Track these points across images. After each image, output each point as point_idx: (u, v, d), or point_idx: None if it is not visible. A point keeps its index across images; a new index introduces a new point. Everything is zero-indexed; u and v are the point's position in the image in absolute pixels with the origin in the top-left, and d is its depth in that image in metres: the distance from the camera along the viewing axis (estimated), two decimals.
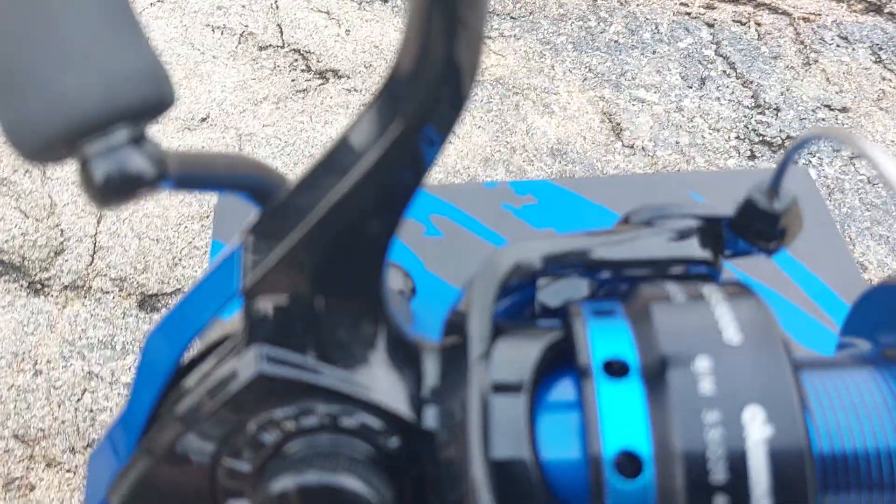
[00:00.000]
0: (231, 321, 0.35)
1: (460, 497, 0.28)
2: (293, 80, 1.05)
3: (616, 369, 0.30)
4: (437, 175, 0.96)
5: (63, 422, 0.74)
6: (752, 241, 0.39)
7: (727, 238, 0.41)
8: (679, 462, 0.27)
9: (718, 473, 0.26)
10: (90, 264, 0.84)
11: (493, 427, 0.29)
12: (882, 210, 0.95)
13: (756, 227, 0.38)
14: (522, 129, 1.00)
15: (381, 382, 0.31)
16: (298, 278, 0.30)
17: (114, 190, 0.26)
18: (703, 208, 0.39)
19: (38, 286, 0.83)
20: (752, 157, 0.98)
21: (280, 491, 0.29)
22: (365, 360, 0.31)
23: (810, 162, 1.00)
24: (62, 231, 0.87)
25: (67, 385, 0.76)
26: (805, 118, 1.04)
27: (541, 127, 1.00)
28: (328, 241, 0.29)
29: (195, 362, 0.35)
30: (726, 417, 0.27)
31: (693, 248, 0.39)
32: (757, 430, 0.27)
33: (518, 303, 0.39)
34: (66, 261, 0.85)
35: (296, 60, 1.08)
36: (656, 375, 0.29)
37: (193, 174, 0.30)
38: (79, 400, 0.76)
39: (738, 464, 0.26)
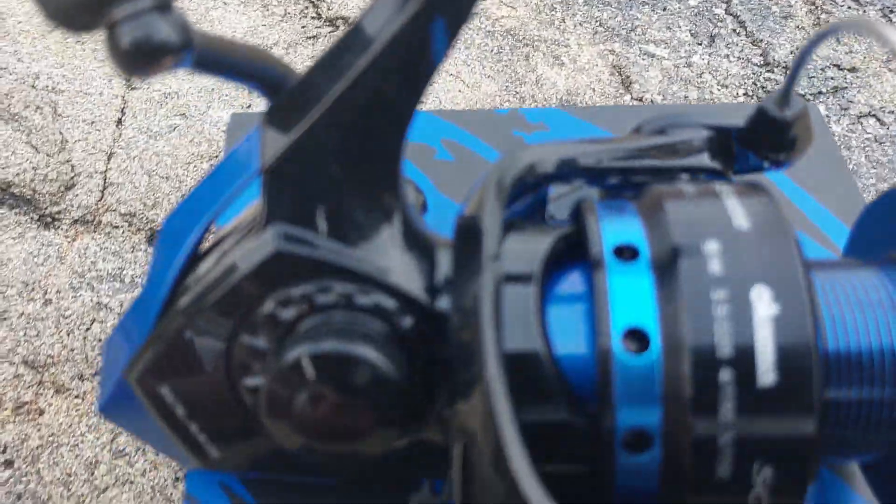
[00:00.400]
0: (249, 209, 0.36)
1: (470, 378, 0.29)
2: (303, 27, 1.05)
3: (626, 254, 0.31)
4: None
5: (72, 350, 0.75)
6: (761, 153, 0.40)
7: (737, 153, 0.41)
8: (686, 338, 0.27)
9: (725, 348, 0.27)
10: (100, 200, 0.85)
11: (504, 315, 0.30)
12: (888, 168, 0.95)
13: (766, 136, 0.39)
14: (532, 80, 1.00)
15: (396, 265, 0.32)
16: (318, 156, 0.30)
17: (140, 55, 0.27)
18: (715, 117, 0.39)
19: (49, 219, 0.83)
20: None
21: (294, 359, 0.29)
22: (381, 243, 0.32)
23: None
24: (73, 167, 0.87)
25: (76, 315, 0.77)
26: (814, 76, 1.04)
27: (550, 78, 1.01)
28: (347, 118, 0.30)
29: (214, 247, 0.35)
30: (734, 295, 0.28)
31: (703, 159, 0.39)
32: (764, 307, 0.27)
33: (529, 207, 0.39)
34: (77, 196, 0.85)
35: (306, 7, 1.08)
36: (665, 257, 0.29)
37: (214, 54, 0.30)
38: (87, 329, 0.76)
39: (744, 339, 0.27)
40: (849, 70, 1.05)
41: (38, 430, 0.71)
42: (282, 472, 0.39)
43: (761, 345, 0.27)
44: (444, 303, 0.33)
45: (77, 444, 0.70)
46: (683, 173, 0.38)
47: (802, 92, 1.04)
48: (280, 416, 0.31)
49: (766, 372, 0.27)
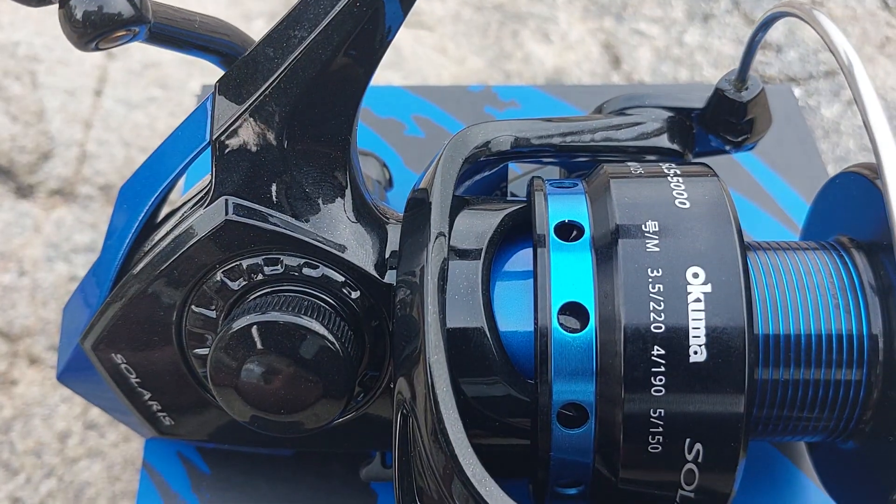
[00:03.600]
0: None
1: (413, 353, 0.29)
2: None
3: (570, 232, 0.31)
4: None
5: (47, 321, 0.75)
6: (720, 135, 0.40)
7: (697, 134, 0.41)
8: (620, 315, 0.28)
9: (657, 325, 0.27)
10: (77, 171, 0.85)
11: (449, 291, 0.30)
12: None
13: (724, 118, 0.39)
14: (519, 57, 1.00)
15: (345, 238, 0.32)
16: (269, 126, 0.30)
17: (92, 27, 0.26)
18: (675, 99, 0.40)
19: (26, 190, 0.83)
20: None
21: (241, 328, 0.30)
22: (331, 216, 0.32)
23: (808, 104, 1.01)
24: (51, 137, 0.87)
25: (51, 286, 0.77)
26: (806, 59, 1.04)
27: (538, 55, 1.00)
28: (297, 90, 0.30)
29: (169, 216, 0.36)
30: (668, 275, 0.28)
31: (662, 140, 0.39)
32: (697, 287, 0.27)
33: (490, 184, 0.39)
34: (54, 166, 0.85)
35: None
36: (606, 236, 0.29)
37: (169, 27, 0.30)
38: (62, 301, 0.77)
39: (676, 317, 0.27)
40: None
41: (12, 400, 0.71)
42: (236, 443, 0.40)
43: (693, 323, 0.28)
44: (391, 276, 0.33)
45: (49, 415, 0.71)
46: (642, 154, 0.38)
47: (794, 76, 1.04)
48: (226, 385, 0.31)
49: (697, 350, 0.27)
